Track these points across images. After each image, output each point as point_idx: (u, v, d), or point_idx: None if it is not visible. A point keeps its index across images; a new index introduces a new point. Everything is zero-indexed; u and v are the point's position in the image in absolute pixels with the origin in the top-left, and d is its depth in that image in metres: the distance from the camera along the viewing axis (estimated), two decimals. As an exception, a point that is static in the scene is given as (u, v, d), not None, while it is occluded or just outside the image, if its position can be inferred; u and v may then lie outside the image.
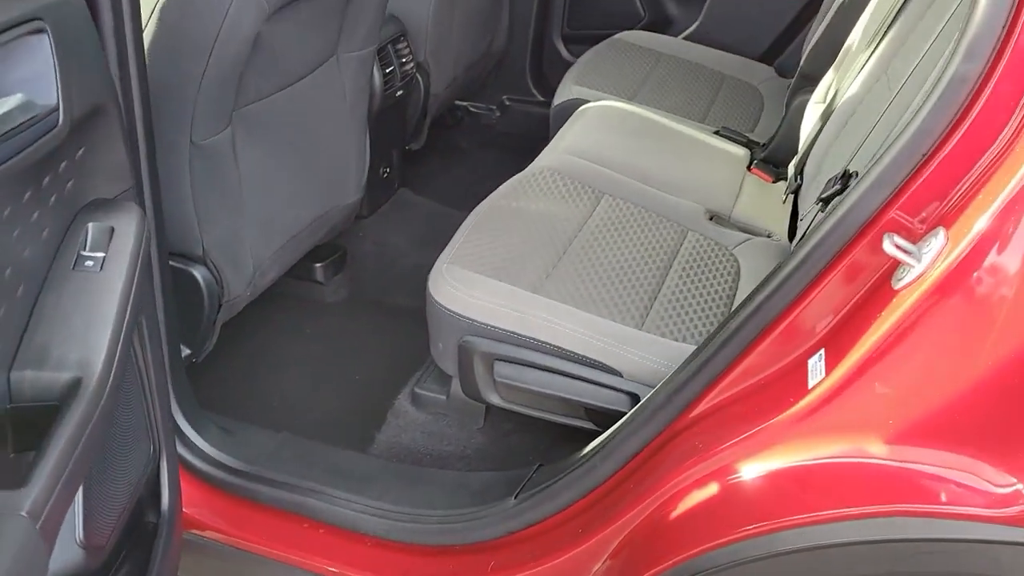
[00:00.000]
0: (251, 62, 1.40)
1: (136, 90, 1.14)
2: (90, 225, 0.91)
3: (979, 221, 0.80)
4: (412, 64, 2.11)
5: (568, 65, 2.73)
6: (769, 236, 1.71)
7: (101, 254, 0.89)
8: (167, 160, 1.37)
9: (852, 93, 1.47)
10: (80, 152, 0.91)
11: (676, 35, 2.63)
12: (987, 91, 0.81)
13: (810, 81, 1.94)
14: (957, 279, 0.80)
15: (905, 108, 1.14)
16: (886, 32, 1.43)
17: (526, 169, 1.78)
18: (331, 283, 2.07)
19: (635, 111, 2.01)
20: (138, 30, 1.13)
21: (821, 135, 1.55)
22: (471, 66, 2.47)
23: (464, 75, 2.43)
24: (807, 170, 1.58)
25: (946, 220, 0.85)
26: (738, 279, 1.57)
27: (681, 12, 2.65)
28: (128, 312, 0.88)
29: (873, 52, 1.45)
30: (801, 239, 1.15)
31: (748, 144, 2.05)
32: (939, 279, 0.81)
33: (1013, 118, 0.81)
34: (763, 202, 1.82)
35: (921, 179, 0.87)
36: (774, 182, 1.91)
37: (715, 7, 2.55)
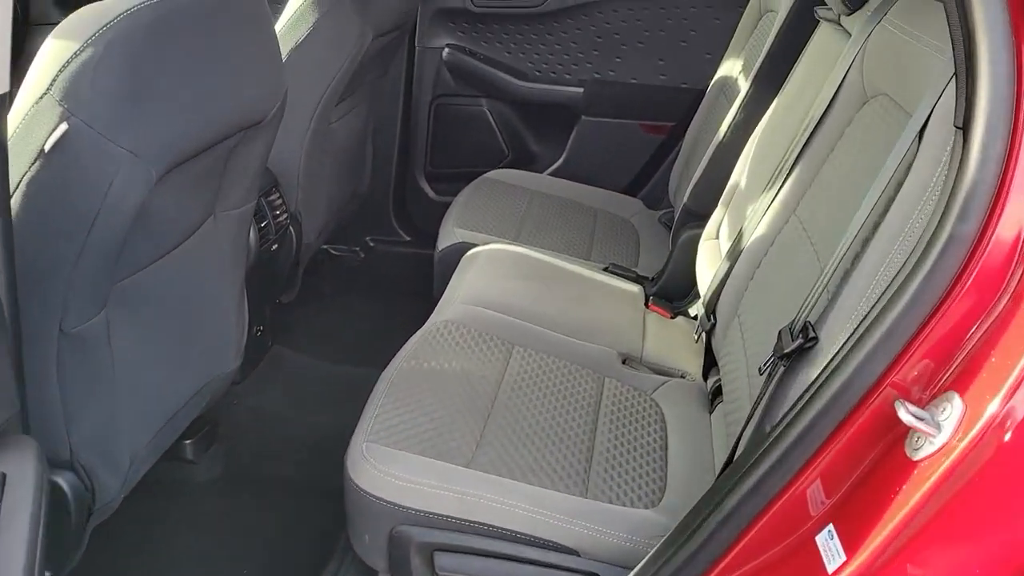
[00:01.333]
0: (131, 233, 1.23)
1: (2, 279, 0.96)
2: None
3: (1002, 387, 0.77)
4: (285, 216, 1.98)
5: (433, 204, 2.69)
6: (683, 376, 1.68)
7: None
8: (30, 354, 1.15)
9: (760, 234, 1.48)
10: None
11: (541, 171, 2.65)
12: (984, 248, 0.81)
13: (696, 217, 1.97)
14: (991, 451, 0.77)
15: (832, 254, 1.14)
16: (788, 174, 1.46)
17: (428, 323, 1.67)
18: (203, 460, 1.84)
19: (525, 253, 1.97)
20: (5, 212, 0.96)
21: (731, 276, 1.54)
22: (340, 210, 2.36)
23: (334, 220, 2.32)
24: (721, 310, 1.57)
25: (959, 385, 0.82)
26: (665, 427, 1.52)
27: (543, 149, 2.68)
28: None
29: (777, 193, 1.47)
30: (787, 406, 1.10)
31: (637, 279, 2.04)
32: (969, 450, 0.78)
33: (1012, 273, 0.80)
34: (669, 340, 1.79)
35: (923, 341, 0.84)
36: (672, 317, 1.90)
37: (577, 144, 2.59)
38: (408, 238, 2.78)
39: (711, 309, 1.61)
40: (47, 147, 1.06)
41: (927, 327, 0.84)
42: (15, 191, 1.09)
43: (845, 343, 0.91)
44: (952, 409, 0.81)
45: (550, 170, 2.63)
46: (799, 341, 1.07)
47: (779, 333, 1.14)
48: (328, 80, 1.93)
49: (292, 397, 2.02)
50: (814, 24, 1.72)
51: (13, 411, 0.79)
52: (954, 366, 0.83)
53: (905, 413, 0.81)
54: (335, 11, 1.87)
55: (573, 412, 1.47)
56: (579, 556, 1.22)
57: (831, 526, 0.89)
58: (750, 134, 1.80)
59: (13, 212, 1.09)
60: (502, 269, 1.89)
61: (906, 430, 0.85)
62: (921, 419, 0.82)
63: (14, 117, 1.08)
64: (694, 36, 2.45)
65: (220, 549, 1.65)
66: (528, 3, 2.48)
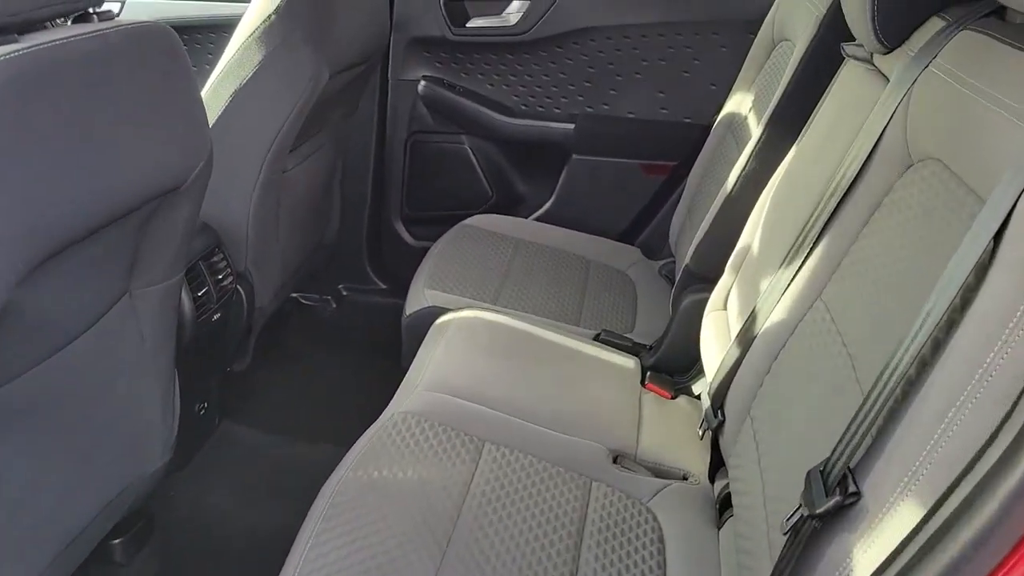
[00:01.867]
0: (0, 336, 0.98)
1: None
2: None
3: None
4: (231, 278, 1.73)
5: (410, 249, 2.45)
6: (685, 478, 1.43)
7: None
8: None
9: (778, 319, 1.23)
10: None
11: (526, 214, 2.40)
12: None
13: (699, 279, 1.72)
14: None
15: (873, 370, 0.89)
16: (813, 246, 1.20)
17: (384, 416, 1.42)
18: (134, 563, 1.59)
19: (503, 322, 1.72)
20: None
21: (742, 366, 1.29)
22: (301, 265, 2.11)
23: (294, 277, 2.07)
24: (730, 408, 1.31)
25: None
26: (663, 545, 1.26)
27: (530, 190, 2.43)
28: None
29: (799, 269, 1.22)
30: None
31: (634, 348, 1.79)
32: None
33: None
34: (669, 430, 1.54)
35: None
36: (673, 397, 1.65)
37: (568, 185, 2.34)
38: (384, 286, 2.53)
39: (718, 403, 1.35)
40: None
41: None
42: None
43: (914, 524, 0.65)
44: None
45: (538, 213, 2.38)
46: (836, 499, 0.82)
47: (807, 476, 0.89)
48: (278, 124, 1.68)
49: (239, 486, 1.77)
50: (839, 59, 1.47)
51: None
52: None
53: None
54: (284, 47, 1.63)
55: (552, 529, 1.22)
56: None
57: None
58: (763, 186, 1.55)
59: None
60: (475, 343, 1.63)
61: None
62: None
63: None
64: (697, 66, 2.20)
65: None
66: (512, 30, 2.24)
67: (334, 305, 2.53)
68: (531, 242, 2.16)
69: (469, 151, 2.39)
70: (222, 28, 2.34)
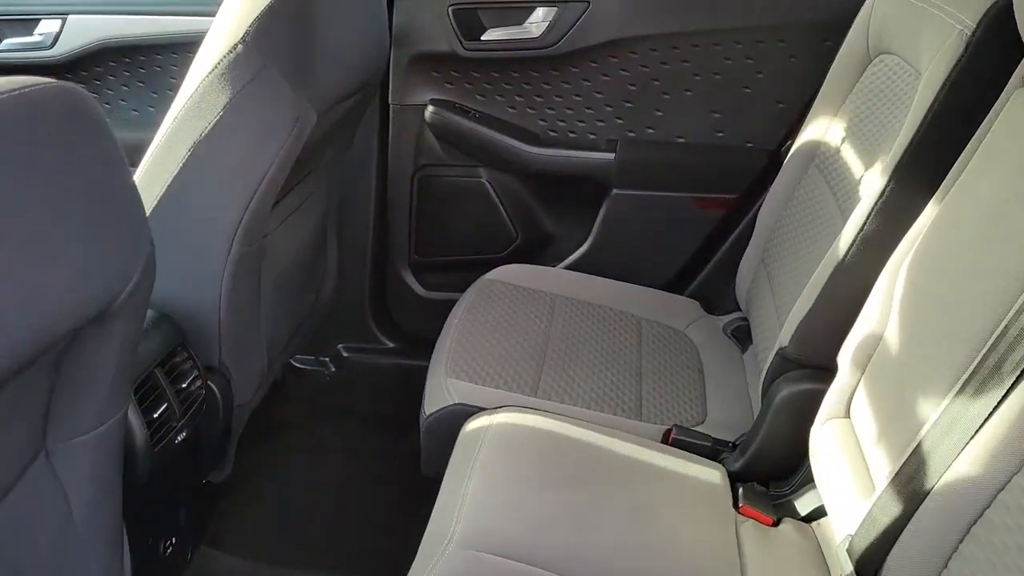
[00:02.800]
0: None
1: None
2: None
3: None
4: (200, 382, 1.35)
5: (421, 302, 2.08)
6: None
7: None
8: None
9: (966, 476, 0.86)
10: None
11: (558, 260, 2.03)
12: None
13: (797, 366, 1.35)
14: None
15: None
16: (996, 370, 0.84)
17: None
18: None
19: (550, 428, 1.34)
20: None
21: (910, 533, 0.92)
22: (292, 338, 1.74)
23: (283, 356, 1.70)
24: (890, 574, 0.95)
25: None
26: None
27: (563, 230, 2.06)
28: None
29: (998, 405, 0.85)
30: None
31: (713, 449, 1.42)
32: None
33: None
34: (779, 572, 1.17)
35: None
36: (775, 523, 1.28)
37: (607, 225, 1.96)
38: (391, 345, 2.16)
39: (870, 573, 0.98)
40: None
41: None
42: None
43: None
44: None
45: (572, 259, 2.01)
46: None
47: None
48: (253, 185, 1.30)
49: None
50: (996, 85, 1.09)
51: None
52: None
53: None
54: (257, 85, 1.25)
55: None
56: None
57: None
58: (889, 252, 1.18)
59: None
60: (520, 466, 1.26)
61: None
62: None
63: None
64: (761, 80, 1.83)
65: None
66: (536, 43, 1.86)
67: (333, 369, 2.16)
68: (570, 299, 1.79)
69: (488, 186, 2.02)
70: (186, 46, 1.96)
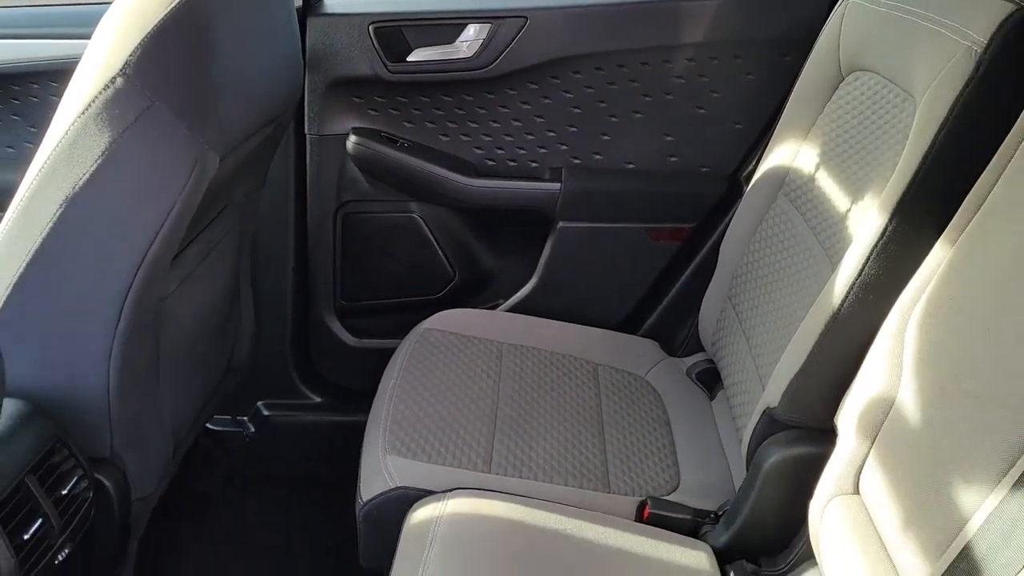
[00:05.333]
0: None
1: None
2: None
3: None
4: (85, 481, 1.12)
5: (350, 351, 1.87)
6: None
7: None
8: None
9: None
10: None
11: (500, 299, 1.85)
12: None
13: (781, 428, 1.19)
14: None
15: None
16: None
17: None
18: None
19: (510, 515, 1.15)
20: None
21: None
22: (203, 411, 1.51)
23: (191, 432, 1.47)
24: None
25: None
26: None
27: (504, 267, 1.87)
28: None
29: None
30: None
31: (693, 521, 1.26)
32: None
33: None
34: None
35: None
36: (769, 611, 1.12)
37: (554, 261, 1.79)
38: (318, 399, 1.94)
39: None
40: None
41: None
42: None
43: None
44: None
45: (517, 298, 1.82)
46: None
47: None
48: (144, 243, 1.08)
49: None
50: (1009, 113, 0.95)
51: None
52: None
53: None
54: (143, 127, 1.03)
55: None
56: None
57: None
58: (891, 302, 1.03)
59: None
60: (479, 563, 1.06)
61: None
62: None
63: None
64: (716, 100, 1.68)
65: None
66: (469, 64, 1.67)
67: (252, 429, 1.93)
68: (517, 346, 1.61)
69: (421, 222, 1.82)
70: (68, 74, 1.71)
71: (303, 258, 1.82)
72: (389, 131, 1.74)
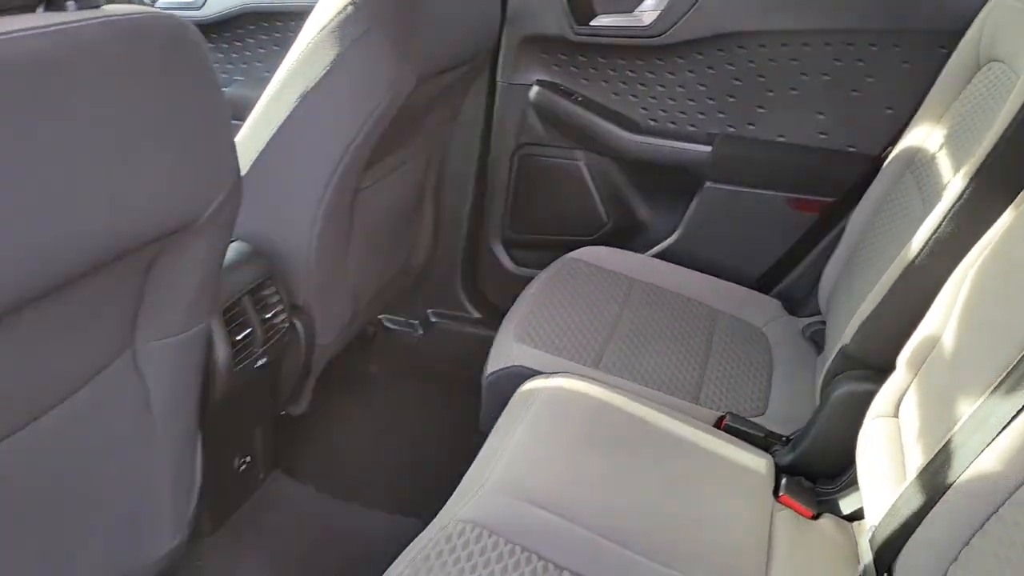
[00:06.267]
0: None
1: None
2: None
3: None
4: (284, 316, 1.47)
5: (510, 277, 2.14)
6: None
7: None
8: None
9: (988, 471, 0.85)
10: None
11: (646, 247, 2.05)
12: None
13: (858, 365, 1.34)
14: None
15: None
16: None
17: (436, 524, 1.12)
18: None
19: (603, 397, 1.38)
20: None
21: (928, 523, 0.91)
22: (377, 294, 1.84)
23: (367, 309, 1.80)
24: (904, 563, 0.94)
25: None
26: None
27: (653, 219, 2.08)
28: None
29: (1003, 394, 0.84)
30: None
31: (765, 440, 1.43)
32: None
33: None
34: (808, 568, 1.17)
35: None
36: (815, 517, 1.28)
37: (697, 217, 1.97)
38: (478, 315, 2.23)
39: (885, 566, 0.98)
40: None
41: None
42: None
43: None
44: None
45: (660, 247, 2.03)
46: None
47: None
48: (348, 138, 1.40)
49: (277, 558, 1.51)
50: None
51: None
52: None
53: None
54: (360, 47, 1.34)
55: None
56: None
57: None
58: (960, 258, 1.15)
59: None
60: (566, 428, 1.31)
61: None
62: None
63: None
64: (871, 84, 1.79)
65: None
66: (645, 32, 1.89)
67: (421, 332, 2.26)
68: (648, 284, 1.82)
69: (584, 169, 2.06)
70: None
71: (481, 189, 2.11)
72: (568, 85, 2.00)
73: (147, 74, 0.85)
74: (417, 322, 2.27)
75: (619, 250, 1.93)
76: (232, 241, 1.42)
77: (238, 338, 1.34)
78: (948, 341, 1.09)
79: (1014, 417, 0.85)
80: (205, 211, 0.97)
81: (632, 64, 1.94)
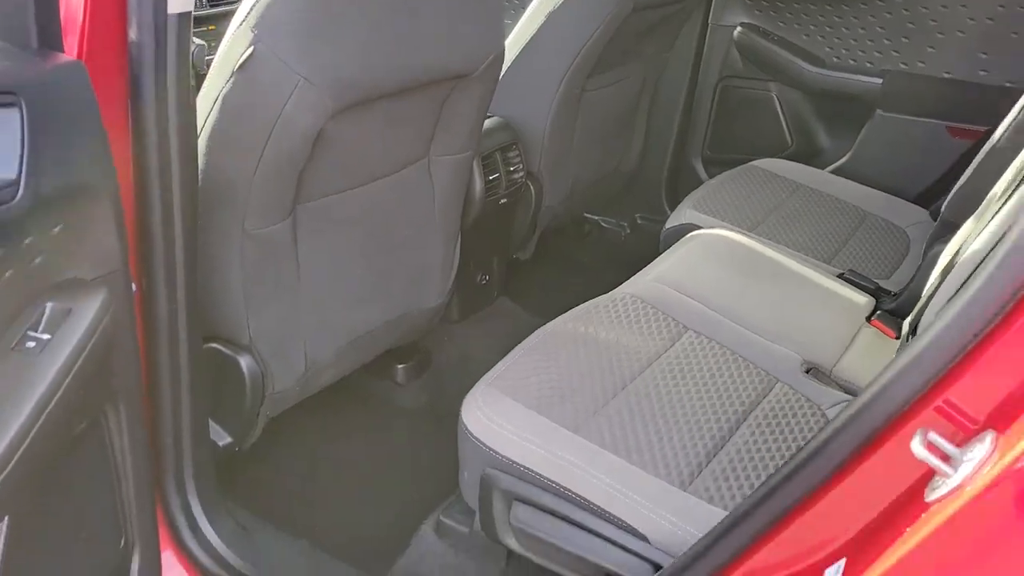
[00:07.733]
0: (317, 158, 1.37)
1: (177, 175, 1.13)
2: (48, 305, 0.87)
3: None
4: (522, 174, 2.06)
5: (705, 188, 2.60)
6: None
7: (47, 336, 0.85)
8: (218, 246, 1.36)
9: (976, 248, 1.25)
10: (56, 229, 0.89)
11: (822, 167, 2.44)
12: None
13: (951, 229, 1.70)
14: (999, 498, 0.60)
15: None
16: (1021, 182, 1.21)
17: (610, 294, 1.65)
18: (410, 386, 2.00)
19: (748, 244, 1.84)
20: (187, 114, 1.12)
21: (939, 291, 1.32)
22: (593, 184, 2.38)
23: (584, 192, 2.35)
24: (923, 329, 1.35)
25: (997, 422, 0.65)
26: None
27: (830, 143, 2.46)
28: (58, 398, 0.83)
29: (1004, 204, 1.22)
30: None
31: (876, 292, 1.81)
32: (984, 495, 0.61)
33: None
34: (876, 360, 1.57)
35: (972, 363, 0.67)
36: (897, 338, 1.67)
37: (867, 141, 2.34)
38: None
39: (914, 326, 1.39)
40: (237, 67, 1.23)
41: (981, 347, 0.67)
42: (213, 105, 1.28)
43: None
44: (980, 449, 0.64)
45: (834, 166, 2.41)
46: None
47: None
48: (576, 48, 1.96)
49: (503, 348, 2.10)
50: None
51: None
52: (1002, 401, 0.66)
53: (919, 446, 0.66)
54: (592, -23, 1.90)
55: (721, 407, 1.37)
56: (647, 542, 1.15)
57: (843, 562, 0.76)
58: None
59: (210, 124, 1.28)
60: (714, 255, 1.79)
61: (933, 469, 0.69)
62: (945, 457, 0.66)
63: (224, 40, 1.27)
64: (1030, 27, 2.08)
65: (382, 467, 1.78)
66: (835, -18, 2.28)
67: (628, 231, 2.78)
68: (812, 188, 2.22)
69: (775, 99, 2.49)
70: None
71: (687, 112, 2.60)
72: (766, 27, 2.43)
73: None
74: (625, 223, 2.80)
75: (791, 162, 2.35)
76: (491, 116, 2.03)
77: (490, 178, 1.95)
78: (998, 192, 1.46)
79: (994, 215, 1.23)
80: (480, 65, 1.56)
81: (822, 9, 2.34)
